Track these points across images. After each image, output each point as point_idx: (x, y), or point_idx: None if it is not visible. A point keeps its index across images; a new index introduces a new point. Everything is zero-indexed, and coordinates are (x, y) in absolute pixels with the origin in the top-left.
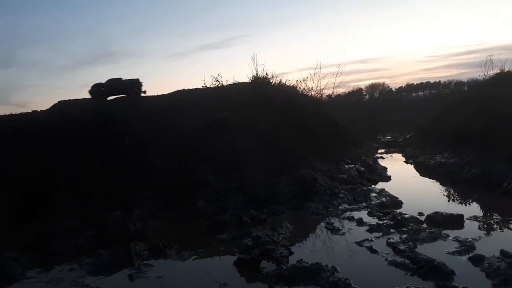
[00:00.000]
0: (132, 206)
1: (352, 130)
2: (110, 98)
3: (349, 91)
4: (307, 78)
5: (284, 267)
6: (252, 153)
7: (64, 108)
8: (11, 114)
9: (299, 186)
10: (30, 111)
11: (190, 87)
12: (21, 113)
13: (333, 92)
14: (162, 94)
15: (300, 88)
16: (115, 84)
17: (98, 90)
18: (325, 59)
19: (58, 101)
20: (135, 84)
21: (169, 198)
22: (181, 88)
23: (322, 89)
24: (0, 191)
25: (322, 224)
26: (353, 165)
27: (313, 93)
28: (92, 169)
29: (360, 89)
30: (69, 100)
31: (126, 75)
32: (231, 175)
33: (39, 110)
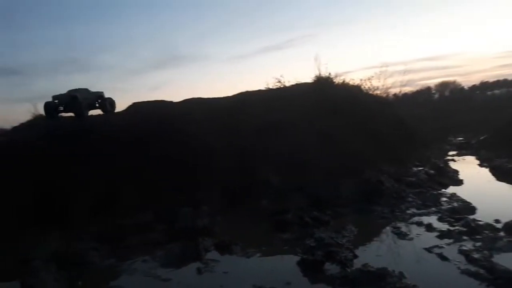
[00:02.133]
0: (200, 203)
1: (421, 131)
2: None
3: (417, 90)
4: (372, 77)
5: (348, 270)
6: (314, 154)
7: (138, 108)
8: (90, 115)
9: (363, 188)
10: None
11: (254, 89)
12: (99, 114)
13: (400, 91)
14: (227, 96)
15: (364, 87)
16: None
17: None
18: (392, 57)
19: (133, 103)
20: (103, 97)
21: (233, 196)
22: (245, 90)
23: (389, 88)
24: (79, 187)
25: (388, 228)
26: (421, 168)
27: (378, 92)
28: (162, 167)
29: (429, 88)
30: (142, 101)
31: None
32: (292, 175)
33: (116, 111)
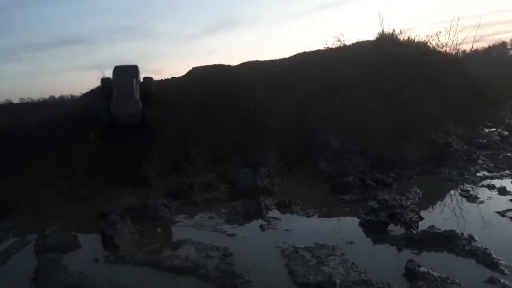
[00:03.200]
0: (259, 165)
1: (494, 90)
2: None
3: (489, 46)
4: (440, 32)
5: (414, 231)
6: (376, 115)
7: (196, 73)
8: (157, 80)
9: (429, 150)
10: (170, 78)
11: (311, 49)
12: (161, 79)
13: (472, 48)
14: (284, 58)
15: (431, 44)
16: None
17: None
18: (463, 9)
19: (192, 68)
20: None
21: (292, 158)
22: (302, 51)
23: (459, 44)
24: (148, 149)
25: (456, 191)
26: (494, 129)
27: (447, 49)
28: (222, 130)
29: (503, 43)
30: (200, 66)
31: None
32: (353, 138)
33: (176, 77)
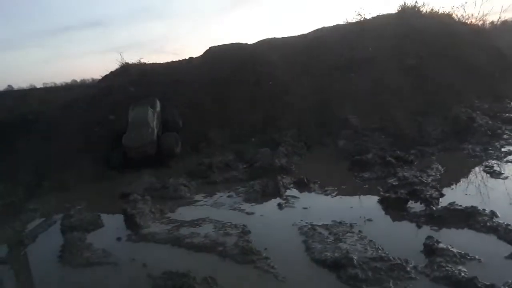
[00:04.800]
0: (277, 144)
1: None
2: None
3: None
4: (466, 3)
5: (434, 208)
6: (397, 91)
7: (214, 52)
8: (172, 61)
9: (452, 126)
10: (187, 58)
11: (331, 24)
12: (178, 60)
13: (499, 18)
14: (302, 34)
15: (456, 15)
16: None
17: None
18: None
19: (209, 47)
20: None
21: (310, 136)
22: (321, 26)
23: (485, 15)
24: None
25: (480, 167)
26: None
27: (473, 20)
28: (240, 110)
29: None
30: (218, 45)
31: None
32: (373, 114)
33: (194, 57)
